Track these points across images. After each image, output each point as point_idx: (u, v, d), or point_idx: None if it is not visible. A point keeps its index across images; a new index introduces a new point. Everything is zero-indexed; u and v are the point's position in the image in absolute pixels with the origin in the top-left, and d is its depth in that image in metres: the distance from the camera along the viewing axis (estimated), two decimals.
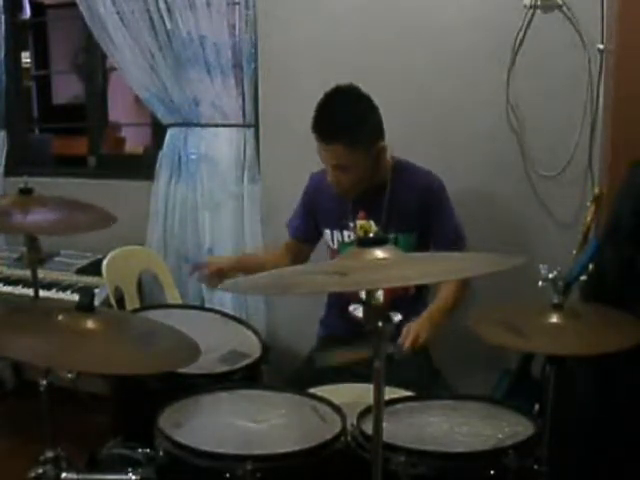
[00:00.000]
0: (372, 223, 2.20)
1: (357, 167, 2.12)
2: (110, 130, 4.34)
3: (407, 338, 1.99)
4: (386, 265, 1.25)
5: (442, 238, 2.22)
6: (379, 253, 1.27)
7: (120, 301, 2.79)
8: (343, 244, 2.28)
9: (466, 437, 1.57)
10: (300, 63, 2.82)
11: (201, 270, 2.37)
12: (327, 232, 2.33)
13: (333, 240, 2.31)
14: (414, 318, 2.10)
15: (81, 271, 3.07)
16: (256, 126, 2.98)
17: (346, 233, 2.27)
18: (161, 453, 1.52)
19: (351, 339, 2.06)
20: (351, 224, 2.24)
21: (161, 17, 2.94)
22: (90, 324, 1.49)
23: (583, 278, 2.10)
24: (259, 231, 2.98)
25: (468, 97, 2.59)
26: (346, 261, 1.33)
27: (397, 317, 1.24)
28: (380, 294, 1.23)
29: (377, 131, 2.15)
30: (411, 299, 2.26)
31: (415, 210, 2.22)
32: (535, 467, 1.54)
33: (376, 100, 2.14)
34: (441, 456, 1.47)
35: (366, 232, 2.17)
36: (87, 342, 1.47)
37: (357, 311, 1.25)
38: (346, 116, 2.08)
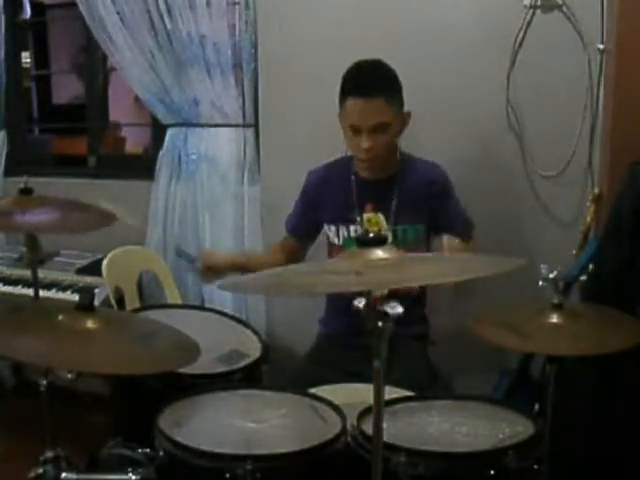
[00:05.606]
0: (380, 215, 2.16)
1: (392, 127, 2.14)
2: (110, 130, 4.35)
3: None
4: (390, 265, 1.25)
5: (453, 228, 2.17)
6: (379, 253, 1.26)
7: (120, 301, 2.79)
8: (349, 239, 2.25)
9: (466, 437, 1.57)
10: (300, 63, 2.81)
11: (195, 264, 2.35)
12: (332, 228, 2.29)
13: (338, 235, 2.28)
14: (413, 319, 2.14)
15: (81, 271, 3.06)
16: (256, 126, 2.98)
17: (352, 228, 2.24)
18: (161, 453, 1.52)
19: (351, 337, 2.06)
20: (358, 218, 2.21)
21: (161, 17, 2.94)
22: (90, 324, 1.49)
23: (583, 278, 2.10)
24: (259, 231, 2.97)
25: (468, 97, 2.59)
26: (347, 261, 1.31)
27: (398, 309, 1.22)
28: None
29: (403, 96, 2.20)
30: (412, 300, 2.24)
31: (423, 202, 2.22)
32: (535, 467, 1.53)
33: None
34: (441, 456, 1.47)
35: (377, 225, 2.14)
36: (87, 342, 1.47)
37: (362, 304, 1.24)
38: (383, 71, 2.17)
